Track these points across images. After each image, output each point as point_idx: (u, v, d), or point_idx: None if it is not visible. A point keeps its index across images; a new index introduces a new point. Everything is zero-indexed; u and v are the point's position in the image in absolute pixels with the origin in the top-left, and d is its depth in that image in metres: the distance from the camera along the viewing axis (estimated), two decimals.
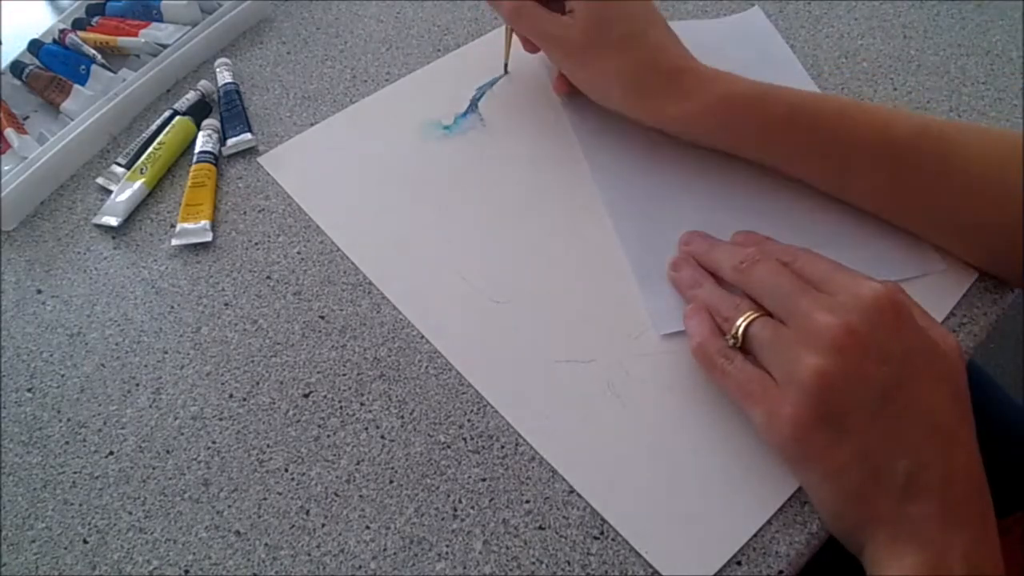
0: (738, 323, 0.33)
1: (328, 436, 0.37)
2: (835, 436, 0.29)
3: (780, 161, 0.40)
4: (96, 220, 0.46)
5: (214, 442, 0.37)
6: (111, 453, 0.37)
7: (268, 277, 0.43)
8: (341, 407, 0.37)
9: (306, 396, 0.38)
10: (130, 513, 0.35)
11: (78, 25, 0.58)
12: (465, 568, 0.32)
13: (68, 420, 0.39)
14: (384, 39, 0.56)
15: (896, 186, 0.37)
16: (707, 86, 0.39)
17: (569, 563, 0.32)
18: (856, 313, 0.29)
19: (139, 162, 0.48)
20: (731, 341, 0.33)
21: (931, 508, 0.28)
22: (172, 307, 0.42)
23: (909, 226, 0.39)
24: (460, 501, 0.34)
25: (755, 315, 0.33)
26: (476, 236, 0.43)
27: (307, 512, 0.34)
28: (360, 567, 0.33)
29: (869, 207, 0.39)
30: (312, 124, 0.50)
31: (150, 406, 0.39)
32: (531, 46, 0.46)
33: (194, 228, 0.45)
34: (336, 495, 0.35)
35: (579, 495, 0.33)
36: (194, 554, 0.34)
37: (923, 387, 0.29)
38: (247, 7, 0.57)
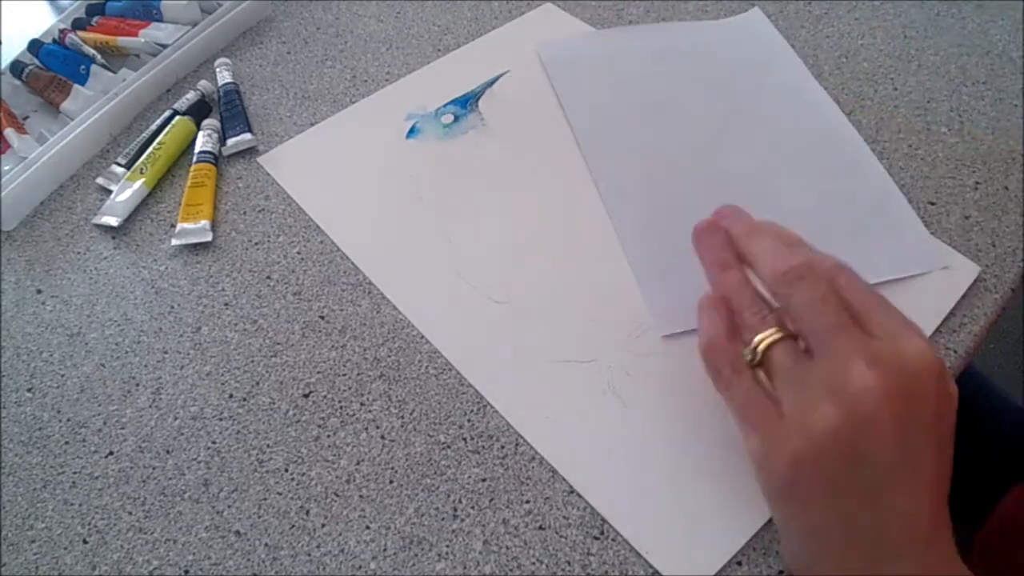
0: (760, 338, 0.29)
1: (328, 436, 0.37)
2: (824, 493, 0.26)
3: None
4: (96, 220, 0.46)
5: (214, 442, 0.37)
6: (111, 453, 0.37)
7: (268, 277, 0.43)
8: (341, 407, 0.37)
9: (306, 396, 0.38)
10: (130, 513, 0.35)
11: (78, 25, 0.58)
12: (465, 568, 0.32)
13: (68, 420, 0.39)
14: (384, 39, 0.56)
15: None
16: None
17: (569, 563, 0.32)
18: (896, 376, 0.25)
19: (139, 162, 0.48)
20: (748, 356, 0.29)
21: (907, 567, 0.26)
22: (172, 307, 0.42)
23: None
24: (460, 501, 0.34)
25: (781, 335, 0.28)
26: (476, 236, 0.43)
27: (307, 512, 0.34)
28: (360, 567, 0.33)
29: None
30: (312, 124, 0.50)
31: (150, 406, 0.39)
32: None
33: (194, 228, 0.45)
34: (336, 495, 0.35)
35: (579, 495, 0.33)
36: (194, 554, 0.34)
37: (923, 473, 0.26)
38: (247, 7, 0.57)
